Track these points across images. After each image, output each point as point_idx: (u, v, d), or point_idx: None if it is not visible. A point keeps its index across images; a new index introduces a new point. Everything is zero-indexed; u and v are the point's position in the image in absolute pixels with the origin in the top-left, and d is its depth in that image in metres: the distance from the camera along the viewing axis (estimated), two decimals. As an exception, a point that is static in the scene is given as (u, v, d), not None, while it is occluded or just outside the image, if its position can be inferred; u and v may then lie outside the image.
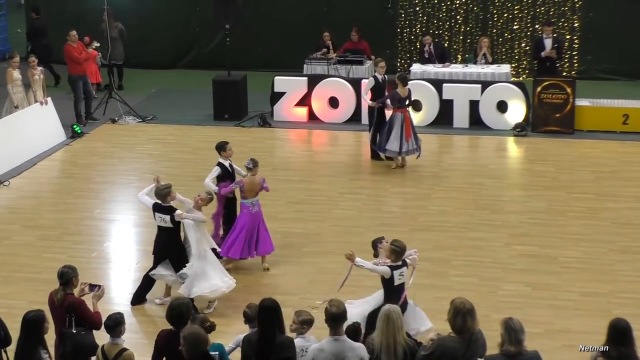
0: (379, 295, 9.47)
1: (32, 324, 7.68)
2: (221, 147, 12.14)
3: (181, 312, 7.61)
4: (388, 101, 15.76)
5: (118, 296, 11.25)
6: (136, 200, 11.83)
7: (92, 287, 8.47)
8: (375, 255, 9.57)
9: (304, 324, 7.98)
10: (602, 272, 11.80)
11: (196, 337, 7.16)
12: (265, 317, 7.47)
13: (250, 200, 11.74)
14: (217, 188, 11.93)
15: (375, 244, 9.71)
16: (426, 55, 19.67)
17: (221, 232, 12.18)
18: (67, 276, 8.42)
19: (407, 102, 15.63)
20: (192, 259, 10.73)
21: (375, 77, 16.21)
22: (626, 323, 7.11)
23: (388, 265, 9.21)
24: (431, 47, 19.72)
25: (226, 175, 12.04)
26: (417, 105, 17.60)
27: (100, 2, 19.92)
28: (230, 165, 12.13)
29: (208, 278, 10.73)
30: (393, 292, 9.22)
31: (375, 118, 16.06)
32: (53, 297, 8.44)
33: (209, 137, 17.65)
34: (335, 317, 7.38)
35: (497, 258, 12.22)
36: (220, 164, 12.05)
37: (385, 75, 16.18)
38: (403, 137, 15.41)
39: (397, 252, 9.27)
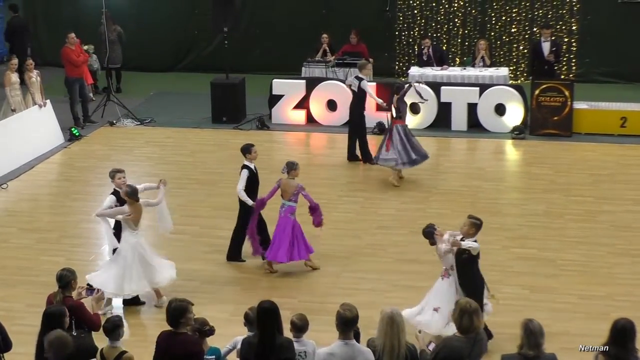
0: (443, 289, 9.70)
1: (52, 317, 7.71)
2: (246, 150, 12.05)
3: (179, 313, 7.61)
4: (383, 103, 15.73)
5: (116, 299, 11.22)
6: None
7: (90, 290, 8.48)
8: (432, 244, 9.75)
9: (292, 324, 7.92)
10: (600, 275, 11.81)
11: (61, 342, 7.18)
12: (264, 319, 7.48)
13: (283, 201, 11.82)
14: (251, 201, 11.81)
15: (431, 232, 9.79)
16: (424, 58, 19.69)
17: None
18: (65, 279, 8.44)
19: (397, 114, 14.94)
20: (114, 256, 10.75)
21: (366, 81, 16.14)
22: (628, 323, 7.10)
23: (473, 241, 9.50)
24: (429, 49, 19.73)
25: (252, 178, 11.99)
26: (414, 108, 17.58)
27: (99, 5, 19.92)
28: (255, 168, 12.09)
29: (131, 280, 10.70)
30: (475, 267, 9.52)
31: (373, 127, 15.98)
32: (52, 300, 8.45)
33: (207, 140, 17.70)
34: (348, 322, 7.37)
35: (495, 261, 12.19)
36: (246, 167, 11.98)
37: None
38: (396, 146, 14.80)
39: (478, 224, 9.63)
